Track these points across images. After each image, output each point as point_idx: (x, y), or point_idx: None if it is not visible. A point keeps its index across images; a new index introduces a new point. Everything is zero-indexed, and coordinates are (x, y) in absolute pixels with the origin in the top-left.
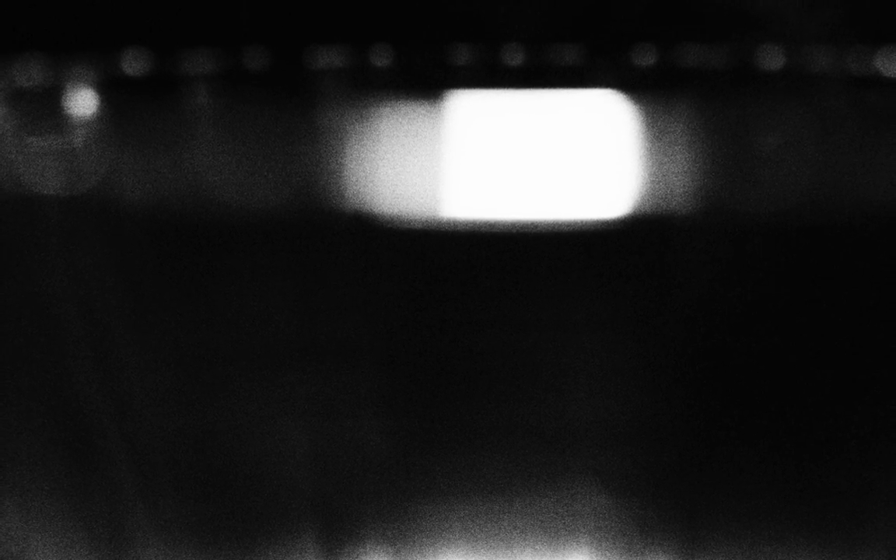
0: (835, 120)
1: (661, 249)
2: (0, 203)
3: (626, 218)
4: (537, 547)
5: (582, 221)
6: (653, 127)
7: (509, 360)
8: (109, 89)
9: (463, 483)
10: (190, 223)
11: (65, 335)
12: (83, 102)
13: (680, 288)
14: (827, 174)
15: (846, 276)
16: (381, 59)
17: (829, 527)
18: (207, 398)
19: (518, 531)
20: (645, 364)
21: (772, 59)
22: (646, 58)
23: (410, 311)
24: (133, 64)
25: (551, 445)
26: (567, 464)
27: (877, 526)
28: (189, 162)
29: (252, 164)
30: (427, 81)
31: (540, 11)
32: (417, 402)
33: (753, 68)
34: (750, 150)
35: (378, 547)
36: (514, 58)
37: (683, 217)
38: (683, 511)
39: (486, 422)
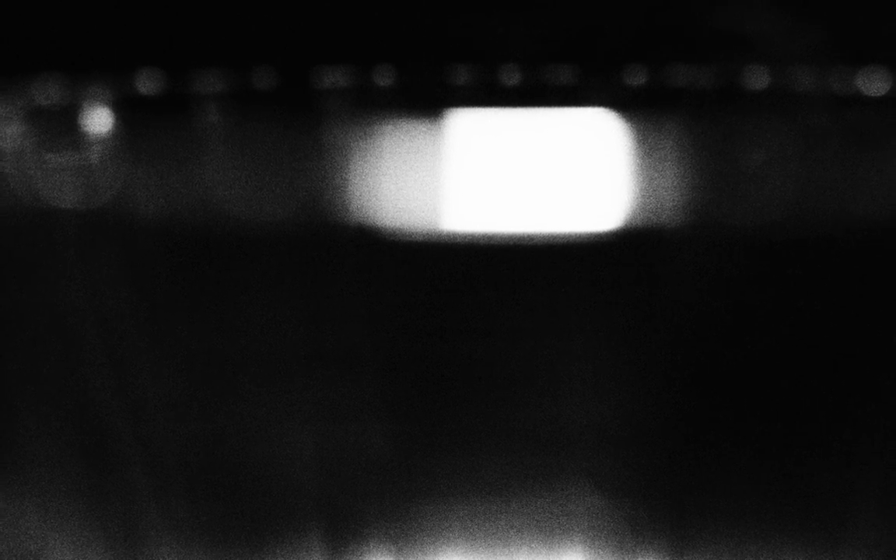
0: (818, 137)
1: (651, 261)
2: (19, 216)
3: (618, 231)
4: (533, 545)
5: (576, 234)
6: (643, 144)
7: (506, 367)
8: (124, 108)
9: (462, 484)
10: (201, 236)
11: (81, 343)
12: (99, 120)
13: (669, 298)
14: (810, 189)
15: (829, 286)
16: (383, 78)
17: (813, 526)
18: (218, 403)
19: (515, 530)
20: (636, 370)
21: (757, 79)
22: (637, 78)
23: (411, 320)
24: (147, 83)
25: (546, 448)
26: (562, 466)
27: (858, 525)
28: (200, 177)
29: (260, 179)
30: (428, 100)
31: (535, 33)
32: (418, 406)
33: (740, 88)
34: (736, 166)
35: (381, 545)
36: (511, 78)
37: (673, 230)
38: (673, 511)
39: (484, 426)
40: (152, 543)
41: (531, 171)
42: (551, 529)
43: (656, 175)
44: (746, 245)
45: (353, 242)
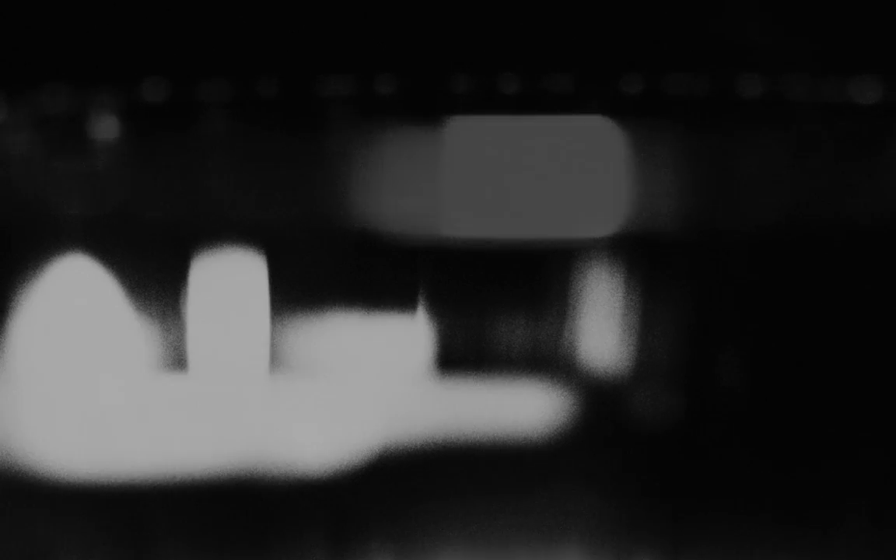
0: (811, 144)
1: (648, 265)
2: (28, 222)
3: (615, 236)
4: (532, 545)
5: (573, 239)
6: (640, 150)
7: (504, 368)
8: (131, 115)
9: (462, 485)
10: (206, 241)
11: (88, 346)
12: (106, 127)
13: (665, 301)
14: (803, 195)
15: (823, 290)
16: (385, 86)
17: (807, 528)
18: (222, 405)
19: (514, 530)
20: (633, 371)
21: (752, 87)
22: (633, 85)
23: (412, 322)
24: (153, 91)
25: (544, 448)
26: (559, 466)
27: (852, 527)
28: (205, 183)
29: (264, 185)
30: (428, 107)
31: (533, 42)
32: (419, 407)
33: (734, 95)
34: (731, 173)
35: (382, 545)
36: (510, 86)
37: (669, 235)
38: (669, 511)
39: (483, 426)
40: (158, 543)
41: (529, 178)
42: (549, 529)
43: (653, 181)
44: (741, 250)
45: (355, 246)
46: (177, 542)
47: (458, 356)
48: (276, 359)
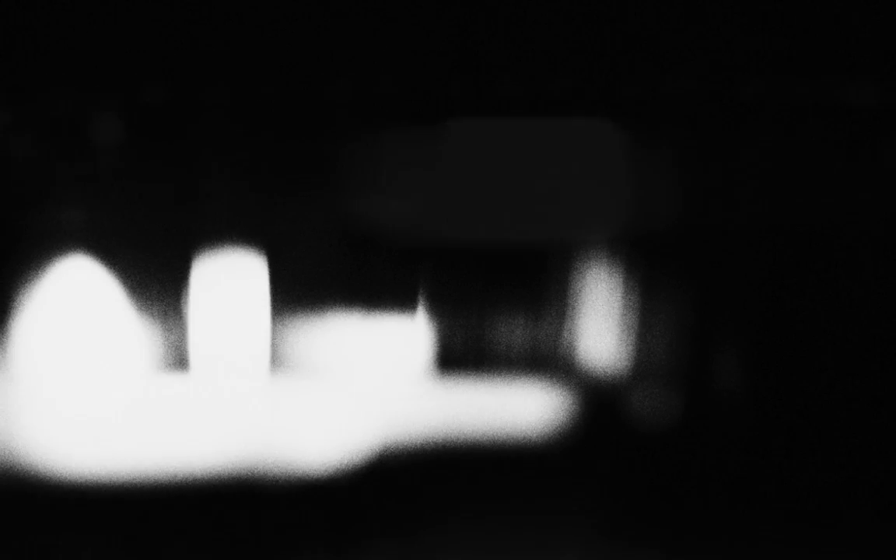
0: (807, 145)
1: (647, 265)
2: (31, 223)
3: (614, 236)
4: (532, 544)
5: (573, 239)
6: (639, 151)
7: (504, 368)
8: (132, 118)
9: (462, 484)
10: (206, 241)
11: (89, 346)
12: (108, 130)
13: (665, 301)
14: (801, 195)
15: (818, 288)
16: (385, 89)
17: (806, 526)
18: (223, 404)
19: (514, 530)
20: (632, 371)
21: (750, 89)
22: (633, 87)
23: (412, 322)
24: (154, 95)
25: (544, 448)
26: (559, 466)
27: (850, 526)
28: (206, 185)
29: (265, 187)
30: (428, 110)
31: (533, 45)
32: (419, 407)
33: (734, 97)
34: (730, 173)
35: (382, 545)
36: (510, 88)
37: (668, 235)
38: (669, 511)
39: (483, 426)
40: (158, 543)
41: (529, 179)
42: (549, 529)
43: (652, 182)
44: (740, 250)
45: (355, 247)
46: (177, 542)
47: (458, 356)
48: (276, 359)
